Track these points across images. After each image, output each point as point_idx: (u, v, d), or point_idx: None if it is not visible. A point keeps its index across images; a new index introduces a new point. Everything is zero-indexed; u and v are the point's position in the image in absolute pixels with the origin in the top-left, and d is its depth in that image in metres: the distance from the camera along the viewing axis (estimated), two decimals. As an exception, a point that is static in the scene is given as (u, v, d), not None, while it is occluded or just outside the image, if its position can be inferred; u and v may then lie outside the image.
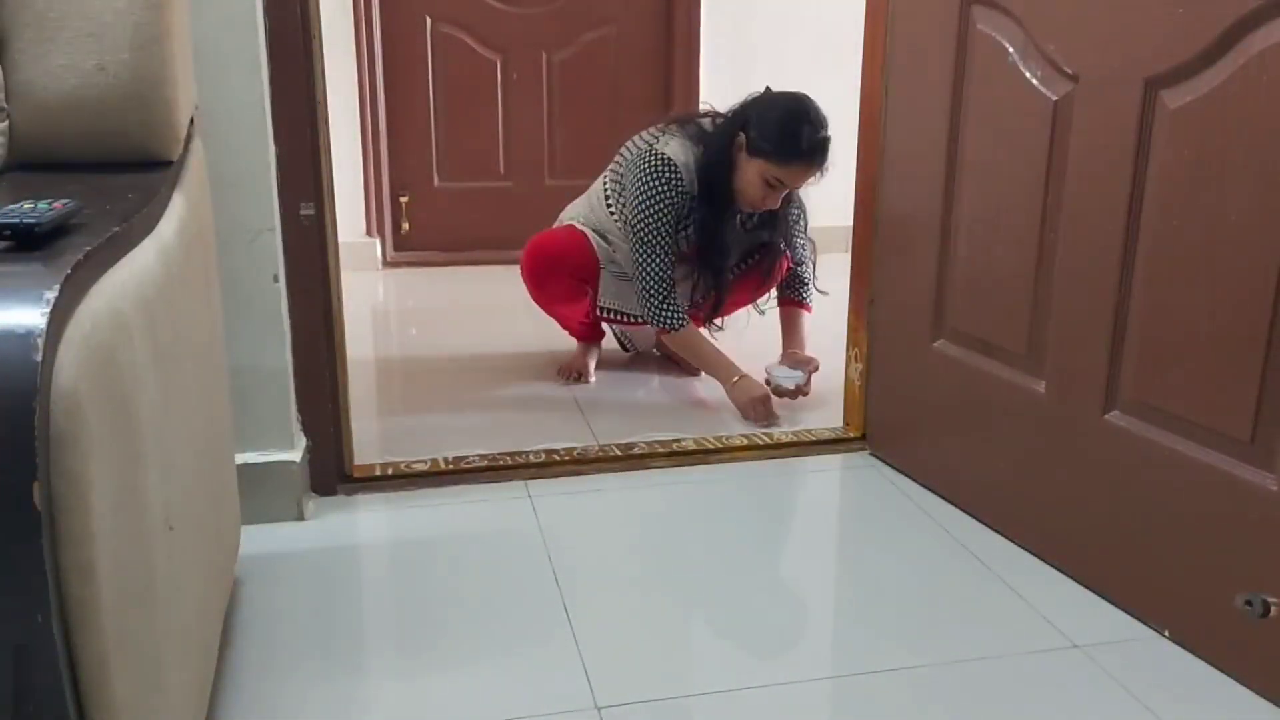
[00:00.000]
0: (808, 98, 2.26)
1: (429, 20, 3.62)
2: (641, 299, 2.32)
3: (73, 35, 1.16)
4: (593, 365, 2.57)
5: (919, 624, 1.50)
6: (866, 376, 2.07)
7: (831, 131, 2.21)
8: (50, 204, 0.87)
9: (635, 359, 2.70)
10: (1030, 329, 1.63)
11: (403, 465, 1.97)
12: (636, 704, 1.30)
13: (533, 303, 2.56)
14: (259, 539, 1.67)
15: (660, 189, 2.25)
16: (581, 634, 1.45)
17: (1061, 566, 1.61)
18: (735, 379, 2.28)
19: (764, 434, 2.14)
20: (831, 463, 2.06)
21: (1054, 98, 1.54)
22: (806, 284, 2.51)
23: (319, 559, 1.67)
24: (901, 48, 1.87)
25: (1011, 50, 1.61)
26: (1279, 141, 1.23)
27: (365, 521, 1.81)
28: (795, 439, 2.13)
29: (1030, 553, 1.66)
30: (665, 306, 2.30)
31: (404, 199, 3.74)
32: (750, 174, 2.24)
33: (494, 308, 3.02)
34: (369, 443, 2.05)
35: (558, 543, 1.71)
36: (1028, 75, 1.58)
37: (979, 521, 1.77)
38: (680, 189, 2.26)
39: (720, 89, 3.78)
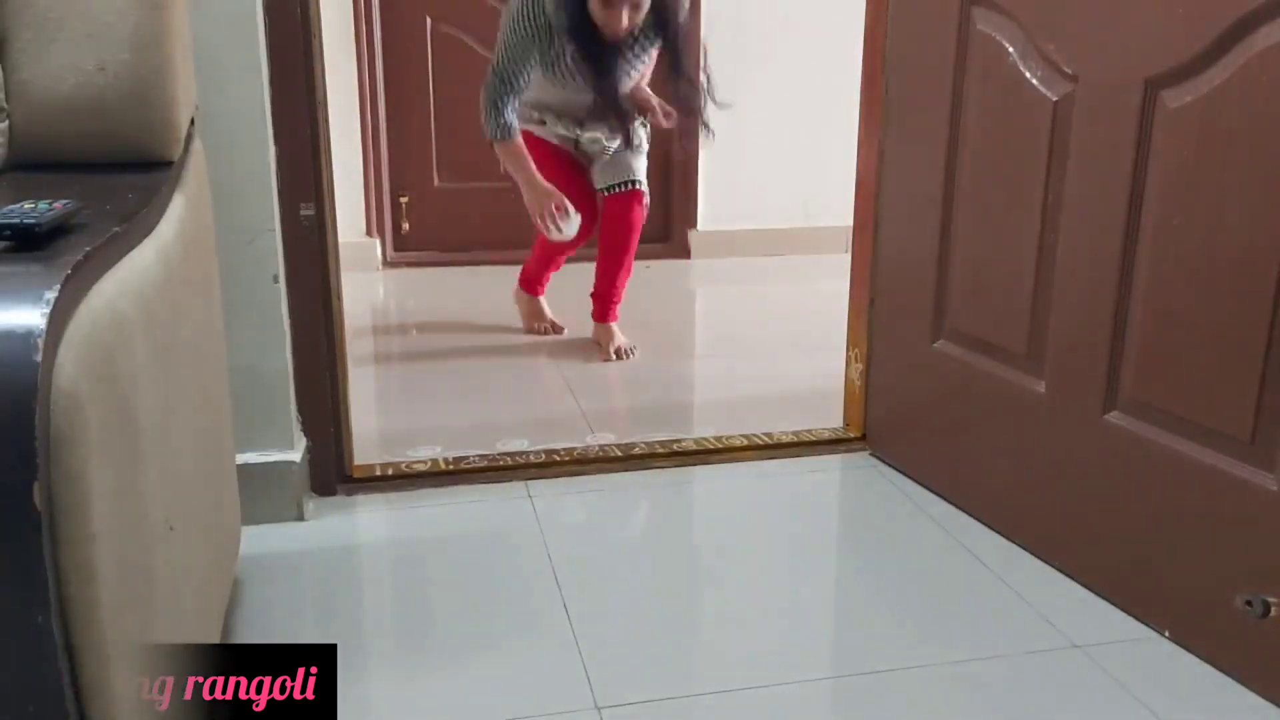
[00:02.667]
0: None
1: (429, 20, 3.62)
2: (483, 108, 2.45)
3: (73, 35, 1.16)
4: (549, 313, 2.88)
5: (919, 624, 1.50)
6: (866, 376, 2.07)
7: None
8: (50, 204, 0.87)
9: (637, 360, 2.69)
10: (1030, 329, 1.63)
11: (403, 465, 1.97)
12: (636, 704, 1.30)
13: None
14: (259, 539, 1.67)
15: (517, 18, 2.38)
16: (581, 634, 1.45)
17: (1061, 566, 1.61)
18: (532, 181, 2.49)
19: (764, 434, 2.14)
20: (831, 463, 2.06)
21: (1054, 98, 1.54)
22: (698, 91, 2.55)
23: (319, 559, 1.67)
24: (901, 48, 1.87)
25: (1011, 50, 1.61)
26: (1279, 141, 1.23)
27: (365, 522, 1.81)
28: (795, 439, 2.13)
29: (1030, 553, 1.66)
30: (491, 118, 2.44)
31: (404, 199, 3.73)
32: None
33: (494, 308, 3.02)
34: (369, 443, 2.05)
35: (558, 543, 1.71)
36: (1028, 75, 1.58)
37: (979, 521, 1.77)
38: (539, 19, 2.36)
39: (720, 88, 3.79)
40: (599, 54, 2.40)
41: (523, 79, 2.43)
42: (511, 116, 2.46)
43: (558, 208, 2.47)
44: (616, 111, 2.52)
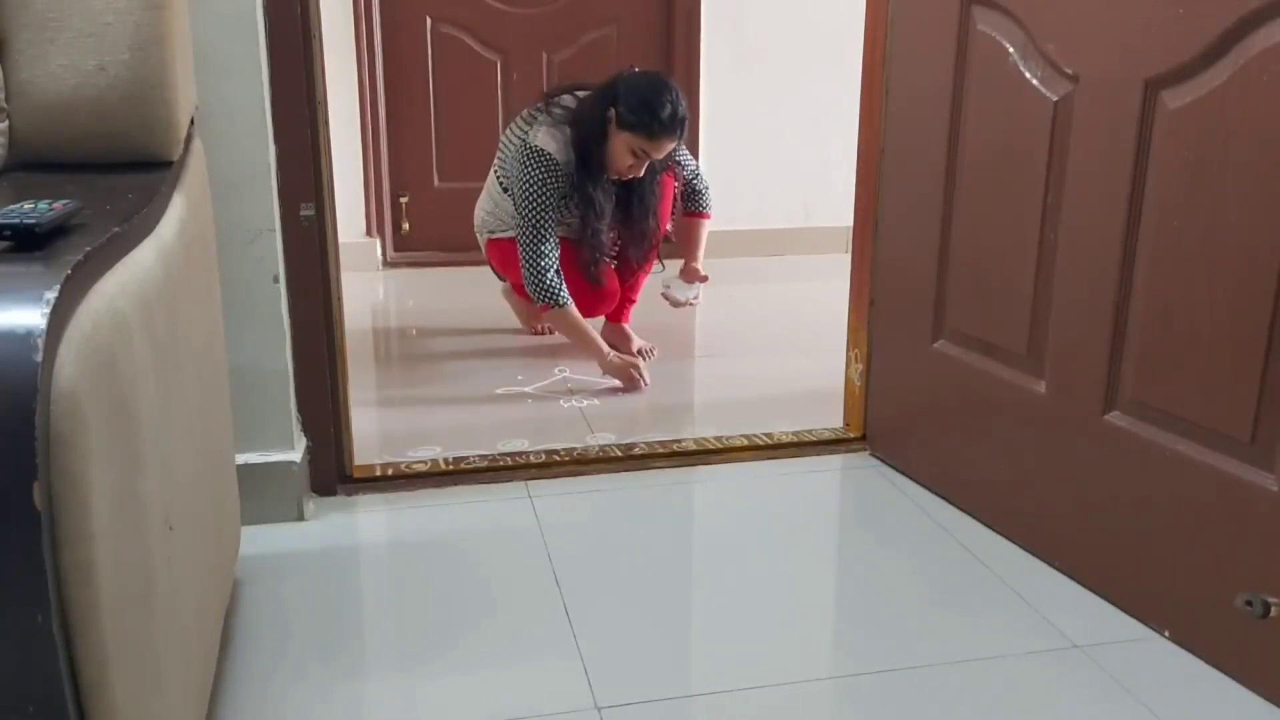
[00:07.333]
0: (669, 77, 2.59)
1: (429, 20, 3.62)
2: (528, 278, 2.50)
3: (73, 35, 1.16)
4: None
5: (919, 624, 1.50)
6: (866, 376, 2.07)
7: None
8: (50, 204, 0.87)
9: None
10: (1030, 329, 1.63)
11: (403, 465, 1.97)
12: (636, 704, 1.30)
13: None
14: (259, 539, 1.67)
15: (540, 178, 2.48)
16: (581, 634, 1.45)
17: (1061, 566, 1.61)
18: (608, 354, 2.52)
19: (764, 434, 2.14)
20: (831, 463, 2.06)
21: (1054, 98, 1.54)
22: (701, 193, 2.79)
23: (319, 559, 1.67)
24: (901, 48, 1.87)
25: (1011, 50, 1.61)
26: (1279, 141, 1.23)
27: (365, 522, 1.81)
28: (795, 439, 2.13)
29: (1030, 553, 1.66)
30: (551, 285, 2.49)
31: (404, 199, 3.73)
32: (619, 146, 2.48)
33: (493, 308, 3.02)
34: (369, 443, 2.05)
35: (558, 543, 1.71)
36: (1028, 75, 1.58)
37: (979, 522, 1.77)
38: (557, 173, 2.49)
39: (720, 89, 3.80)
40: (597, 194, 2.53)
41: (552, 214, 2.49)
42: (557, 279, 2.49)
43: (636, 370, 2.50)
44: (597, 246, 2.58)
